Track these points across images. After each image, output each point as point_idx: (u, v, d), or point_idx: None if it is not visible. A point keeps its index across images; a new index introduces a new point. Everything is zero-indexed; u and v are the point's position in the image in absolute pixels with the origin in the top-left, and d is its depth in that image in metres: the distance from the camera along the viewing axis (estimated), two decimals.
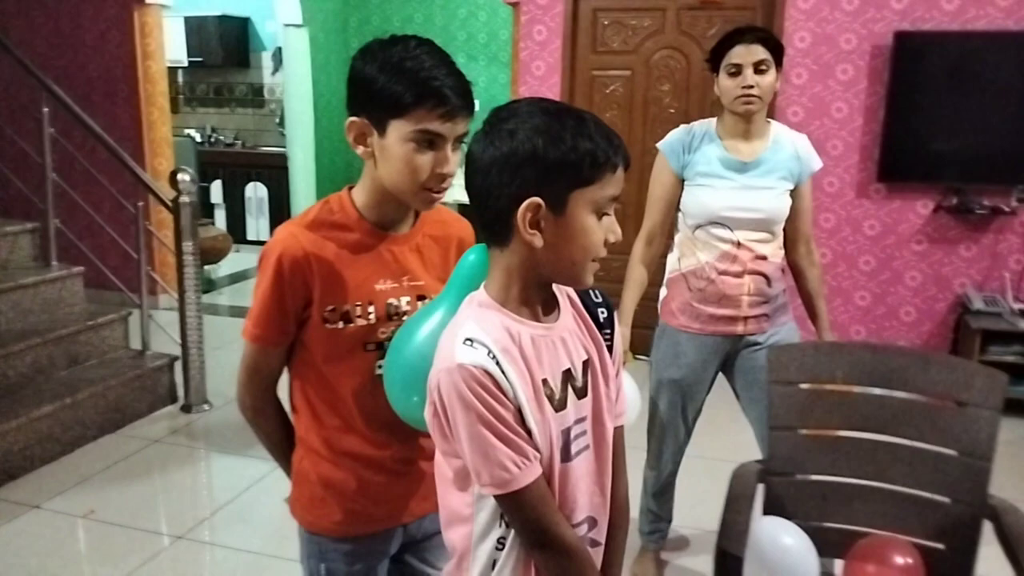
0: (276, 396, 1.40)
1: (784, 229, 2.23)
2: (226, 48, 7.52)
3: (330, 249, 1.27)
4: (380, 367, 1.30)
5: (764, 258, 2.17)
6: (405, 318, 1.30)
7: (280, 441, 1.42)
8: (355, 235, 1.30)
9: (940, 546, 1.77)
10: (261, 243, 7.30)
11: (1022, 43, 3.83)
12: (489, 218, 1.06)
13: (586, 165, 1.01)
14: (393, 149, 1.20)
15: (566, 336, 1.11)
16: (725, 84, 2.11)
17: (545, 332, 1.09)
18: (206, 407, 3.79)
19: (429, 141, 1.20)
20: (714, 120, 2.22)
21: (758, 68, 2.07)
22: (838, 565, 1.82)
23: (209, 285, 6.16)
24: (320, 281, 1.26)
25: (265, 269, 1.27)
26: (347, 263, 1.28)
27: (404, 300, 1.32)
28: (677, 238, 2.30)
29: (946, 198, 4.03)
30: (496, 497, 1.04)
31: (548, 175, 1.01)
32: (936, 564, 1.77)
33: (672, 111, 4.38)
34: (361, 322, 1.29)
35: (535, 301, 1.10)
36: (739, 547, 1.52)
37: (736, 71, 2.08)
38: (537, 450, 1.04)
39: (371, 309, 1.30)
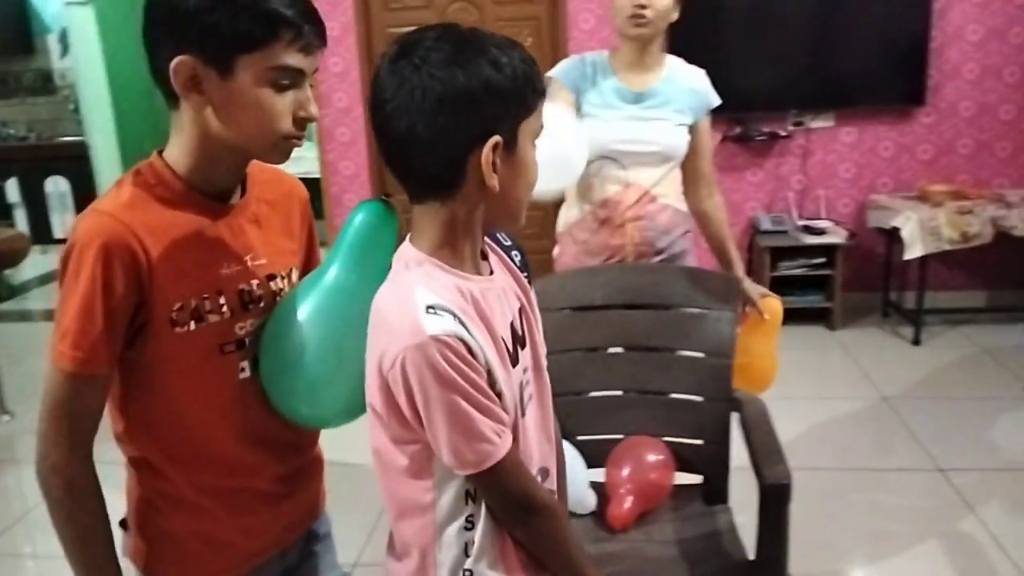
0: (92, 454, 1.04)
1: (684, 170, 2.12)
2: (3, 33, 6.90)
3: (163, 231, 1.01)
4: (243, 370, 1.09)
5: (654, 200, 2.06)
6: (261, 306, 1.10)
7: (106, 524, 1.05)
8: (186, 210, 1.04)
9: (699, 442, 1.92)
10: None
11: None
12: (436, 168, 0.93)
13: (529, 91, 0.94)
14: (244, 93, 0.98)
15: (504, 286, 1.04)
16: (619, 2, 1.97)
17: (489, 285, 1.00)
18: (6, 418, 3.55)
19: (286, 80, 1.00)
20: (606, 52, 2.11)
21: None
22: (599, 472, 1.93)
23: (10, 291, 5.71)
24: (159, 274, 1.00)
25: (78, 269, 0.97)
26: (186, 246, 1.03)
27: (255, 284, 1.10)
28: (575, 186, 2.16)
29: (730, 128, 4.28)
30: (474, 475, 0.94)
31: (504, 108, 0.92)
32: (698, 458, 1.91)
33: None
34: (214, 318, 1.05)
35: (475, 253, 1.00)
36: None
37: None
38: (507, 413, 0.96)
39: (222, 300, 1.06)
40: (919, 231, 3.71)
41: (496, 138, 0.91)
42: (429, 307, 0.91)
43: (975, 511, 2.53)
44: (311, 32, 1.00)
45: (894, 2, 4.04)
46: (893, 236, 3.91)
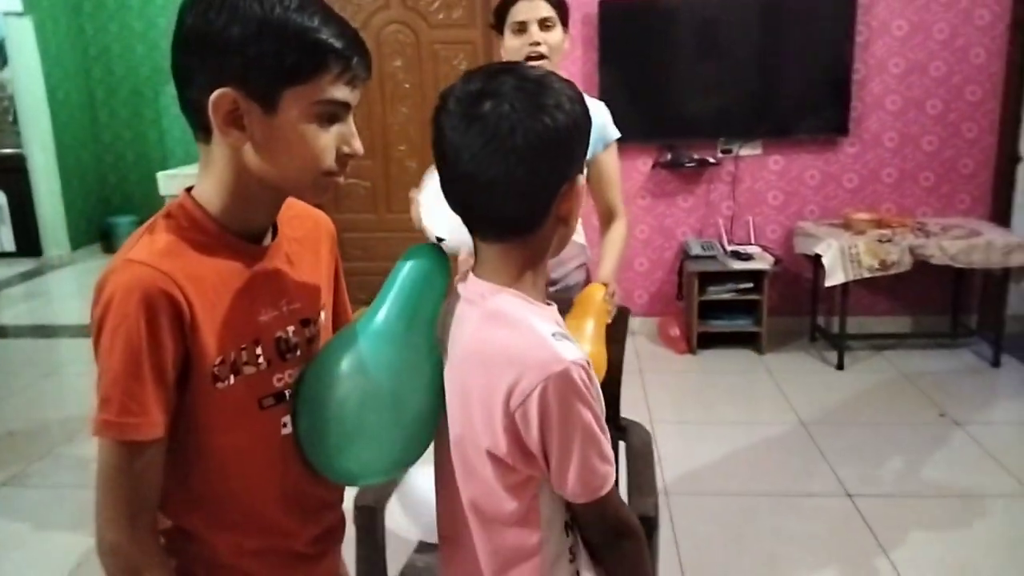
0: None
1: (594, 202, 2.14)
2: None
3: (202, 279, 0.93)
4: (285, 425, 1.01)
5: None
6: (297, 354, 1.03)
7: None
8: (222, 255, 0.97)
9: None
10: (7, 254, 6.75)
11: (715, 6, 4.18)
12: (527, 209, 0.94)
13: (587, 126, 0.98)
14: (289, 128, 0.92)
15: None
16: (511, 44, 1.99)
17: (557, 315, 1.02)
18: None
19: (332, 114, 0.95)
20: None
21: (544, 25, 1.97)
22: None
23: None
24: (202, 326, 0.92)
25: (117, 326, 0.87)
26: (224, 295, 0.95)
27: (291, 330, 1.02)
28: None
29: (661, 155, 4.34)
30: (587, 503, 0.94)
31: (583, 145, 0.96)
32: None
33: (407, 86, 4.41)
34: (250, 370, 0.97)
35: (545, 285, 1.03)
36: (376, 498, 1.56)
37: (521, 29, 1.97)
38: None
39: (259, 351, 0.98)
40: (840, 258, 3.78)
41: (582, 176, 0.96)
42: (554, 333, 0.92)
43: (877, 537, 2.57)
44: (359, 64, 0.95)
45: (819, 35, 4.14)
46: (818, 262, 3.98)
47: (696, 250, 4.24)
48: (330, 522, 1.12)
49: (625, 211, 2.18)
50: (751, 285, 4.13)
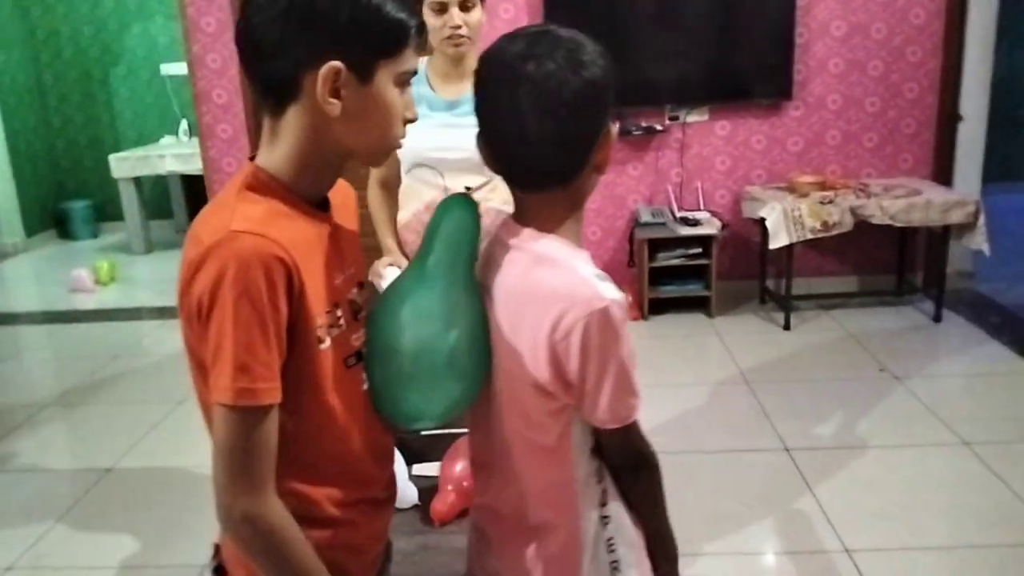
0: None
1: None
2: None
3: (297, 245, 0.96)
4: (364, 381, 1.07)
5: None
6: (362, 315, 1.08)
7: (315, 557, 0.99)
8: (302, 222, 1.00)
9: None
10: None
11: None
12: (572, 160, 1.01)
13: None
14: (379, 98, 0.98)
15: None
16: (430, 23, 1.96)
17: None
18: None
19: (406, 82, 1.02)
20: (425, 59, 2.09)
21: (464, 5, 1.97)
22: (436, 467, 1.97)
23: None
24: (307, 290, 0.96)
25: (240, 295, 0.88)
26: (316, 259, 1.00)
27: (355, 292, 1.08)
28: (400, 189, 2.18)
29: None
30: (615, 430, 1.04)
31: (612, 95, 1.03)
32: None
33: None
34: (335, 332, 1.01)
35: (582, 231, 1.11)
36: None
37: (441, 9, 1.97)
38: None
39: (339, 312, 1.03)
40: (783, 221, 3.85)
41: (616, 125, 1.01)
42: (596, 275, 1.01)
43: (812, 489, 2.66)
44: (422, 34, 1.02)
45: (762, 0, 4.18)
46: (763, 226, 4.05)
47: (646, 217, 4.29)
48: (392, 467, 1.20)
49: None
50: (700, 250, 4.19)
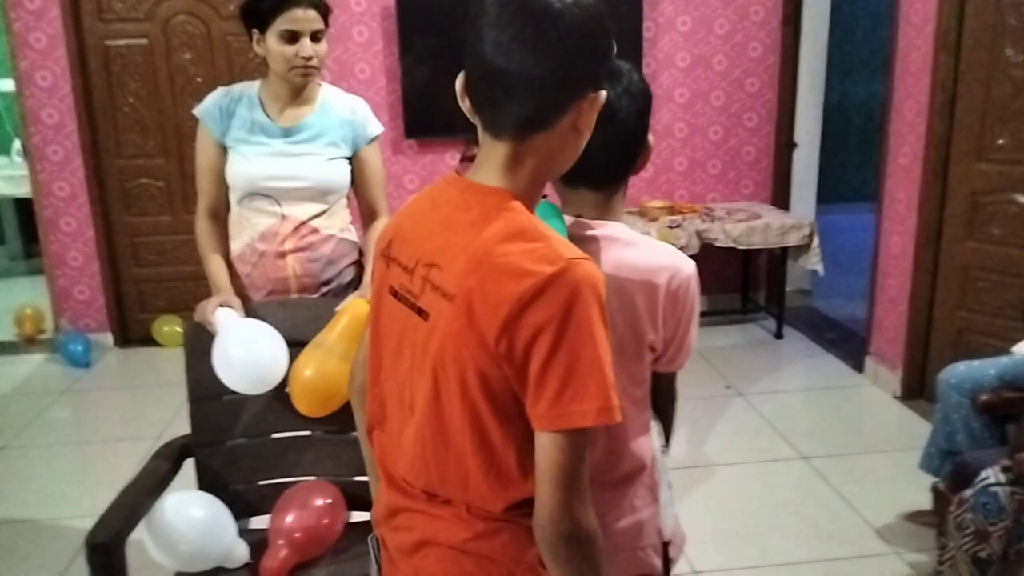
0: None
1: (357, 200, 2.12)
2: None
3: None
4: None
5: (316, 231, 2.01)
6: None
7: None
8: None
9: (363, 478, 1.89)
10: None
11: None
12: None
13: None
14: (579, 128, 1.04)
15: None
16: (278, 50, 1.89)
17: None
18: None
19: None
20: (258, 83, 2.02)
21: (315, 37, 1.91)
22: (267, 520, 1.87)
23: None
24: None
25: (598, 315, 0.90)
26: None
27: None
28: (230, 218, 2.07)
29: (467, 148, 4.36)
30: (674, 374, 1.32)
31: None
32: (364, 495, 1.88)
33: (199, 80, 4.20)
34: None
35: None
36: (110, 535, 1.47)
37: (292, 38, 1.89)
38: None
39: None
40: None
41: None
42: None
43: None
44: None
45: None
46: None
47: None
48: None
49: (388, 209, 2.15)
50: None
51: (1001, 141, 3.09)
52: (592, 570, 0.96)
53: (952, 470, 2.23)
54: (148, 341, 4.39)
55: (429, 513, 1.04)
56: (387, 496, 1.10)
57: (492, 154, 0.98)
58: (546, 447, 0.92)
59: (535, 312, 0.89)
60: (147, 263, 4.40)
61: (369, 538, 1.19)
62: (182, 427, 1.94)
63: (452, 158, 4.40)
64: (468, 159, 4.31)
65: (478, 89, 0.98)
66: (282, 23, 1.88)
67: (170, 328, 4.33)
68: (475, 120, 1.01)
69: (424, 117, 4.28)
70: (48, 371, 4.18)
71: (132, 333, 4.48)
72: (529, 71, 0.92)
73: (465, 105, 1.01)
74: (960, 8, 3.14)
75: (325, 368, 1.77)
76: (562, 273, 0.89)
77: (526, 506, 0.98)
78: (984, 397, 2.14)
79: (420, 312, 0.99)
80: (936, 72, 3.22)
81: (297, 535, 1.75)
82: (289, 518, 1.77)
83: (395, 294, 1.04)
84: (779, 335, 4.30)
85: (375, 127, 2.09)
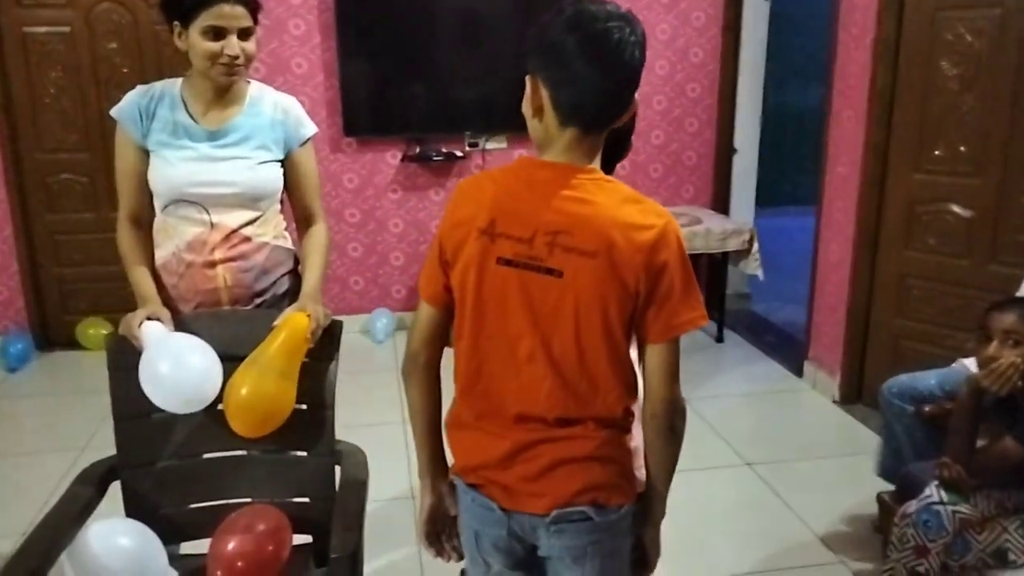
0: None
1: (291, 204, 2.00)
2: None
3: None
4: None
5: (249, 240, 1.90)
6: None
7: None
8: None
9: (305, 499, 1.82)
10: None
11: (453, 1, 4.16)
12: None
13: None
14: None
15: None
16: (202, 46, 1.77)
17: None
18: None
19: None
20: (179, 80, 1.89)
21: (243, 34, 1.79)
22: (206, 545, 1.77)
23: None
24: None
25: (685, 248, 1.24)
26: None
27: None
28: (155, 225, 1.94)
29: (410, 148, 4.28)
30: None
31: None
32: (307, 517, 1.80)
33: (126, 71, 4.00)
34: None
35: None
36: (28, 572, 1.36)
37: (218, 35, 1.77)
38: None
39: None
40: None
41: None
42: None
43: None
44: None
45: None
46: None
47: None
48: None
49: (324, 214, 2.05)
50: None
51: (937, 152, 3.15)
52: (682, 441, 1.33)
53: (897, 482, 2.25)
54: (72, 344, 4.18)
55: (558, 439, 1.28)
56: (508, 439, 1.29)
57: (579, 144, 1.23)
58: (663, 352, 1.26)
59: (660, 252, 1.20)
60: (70, 262, 4.18)
61: (457, 483, 1.38)
62: (108, 437, 1.80)
63: (393, 157, 4.30)
64: (409, 158, 4.23)
65: (570, 100, 1.20)
66: (207, 18, 1.76)
67: (95, 331, 4.12)
68: (546, 127, 1.24)
69: (363, 114, 4.17)
70: None
71: (54, 336, 4.25)
72: (611, 86, 1.19)
73: (542, 116, 1.24)
74: (898, 21, 3.19)
75: (263, 387, 1.67)
76: (668, 222, 1.22)
77: (627, 415, 1.31)
78: (927, 408, 2.17)
79: (550, 271, 1.22)
80: (874, 83, 3.27)
81: (240, 563, 1.65)
82: (231, 544, 1.67)
83: (508, 262, 1.23)
84: (720, 339, 4.34)
85: (309, 128, 1.98)
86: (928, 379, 2.34)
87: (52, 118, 4.01)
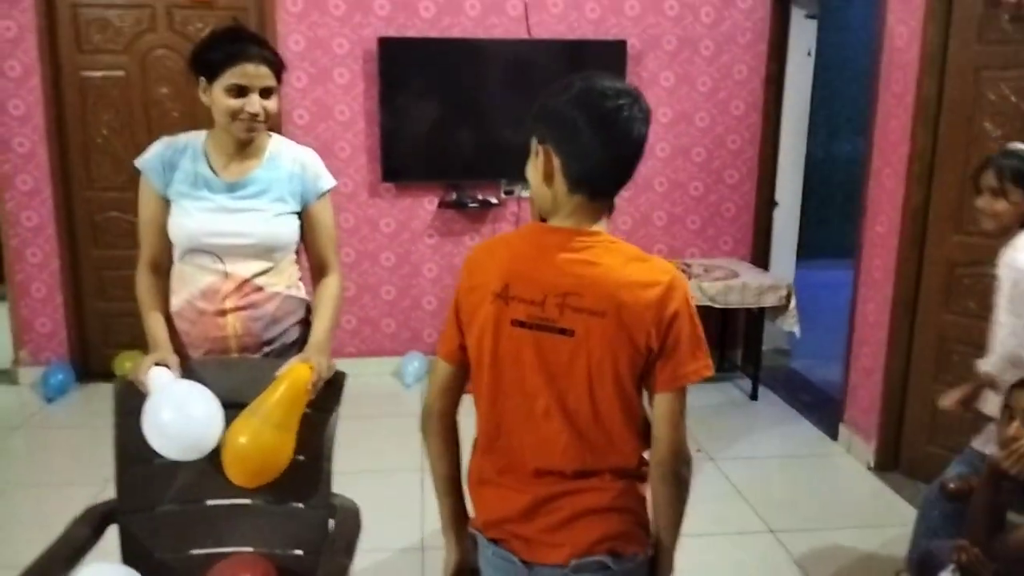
0: None
1: (307, 255, 2.05)
2: None
3: None
4: None
5: (261, 289, 1.94)
6: None
7: None
8: None
9: (299, 552, 1.81)
10: None
11: (494, 50, 4.23)
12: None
13: None
14: None
15: None
16: (224, 102, 1.84)
17: None
18: None
19: None
20: (204, 133, 1.96)
21: (265, 93, 1.85)
22: None
23: None
24: None
25: (692, 301, 1.30)
26: None
27: None
28: (172, 272, 1.99)
29: (447, 194, 4.33)
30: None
31: None
32: (300, 570, 1.79)
33: (176, 115, 4.15)
34: None
35: None
36: None
37: (241, 93, 1.83)
38: None
39: None
40: None
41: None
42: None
43: None
44: None
45: None
46: None
47: None
48: None
49: (340, 266, 2.09)
50: None
51: None
52: (688, 490, 1.34)
53: (917, 560, 2.14)
54: (110, 376, 4.28)
55: (576, 491, 1.32)
56: (529, 493, 1.33)
57: (588, 209, 1.29)
58: (670, 401, 1.28)
59: (668, 305, 1.25)
60: (113, 297, 4.30)
61: (478, 538, 1.40)
62: None
63: (430, 202, 4.34)
64: (446, 204, 4.27)
65: (580, 171, 1.26)
66: (231, 76, 1.83)
67: (132, 364, 4.21)
68: (555, 193, 1.29)
69: (402, 160, 4.24)
70: (4, 404, 4.06)
71: (94, 367, 4.37)
72: (620, 160, 1.27)
73: (552, 183, 1.28)
74: (940, 80, 3.12)
75: (260, 438, 1.68)
76: (674, 277, 1.27)
77: (641, 464, 1.35)
78: (952, 485, 2.06)
79: (562, 331, 1.27)
80: (915, 142, 3.19)
81: None
82: None
83: (522, 324, 1.28)
84: (754, 396, 4.23)
85: (327, 181, 2.02)
86: (960, 458, 2.24)
87: (103, 158, 4.18)
